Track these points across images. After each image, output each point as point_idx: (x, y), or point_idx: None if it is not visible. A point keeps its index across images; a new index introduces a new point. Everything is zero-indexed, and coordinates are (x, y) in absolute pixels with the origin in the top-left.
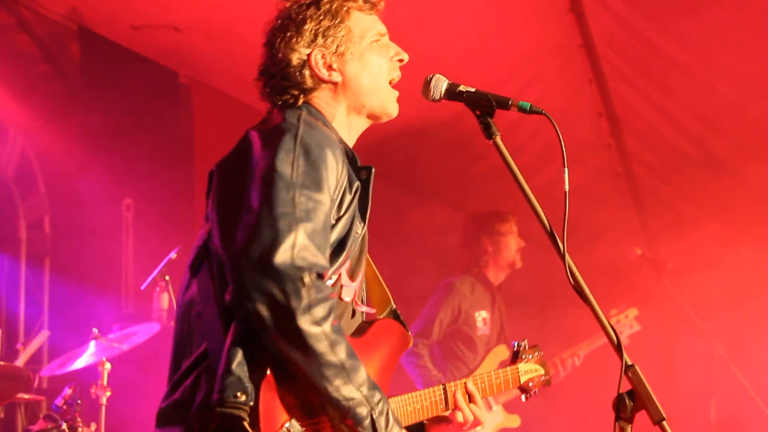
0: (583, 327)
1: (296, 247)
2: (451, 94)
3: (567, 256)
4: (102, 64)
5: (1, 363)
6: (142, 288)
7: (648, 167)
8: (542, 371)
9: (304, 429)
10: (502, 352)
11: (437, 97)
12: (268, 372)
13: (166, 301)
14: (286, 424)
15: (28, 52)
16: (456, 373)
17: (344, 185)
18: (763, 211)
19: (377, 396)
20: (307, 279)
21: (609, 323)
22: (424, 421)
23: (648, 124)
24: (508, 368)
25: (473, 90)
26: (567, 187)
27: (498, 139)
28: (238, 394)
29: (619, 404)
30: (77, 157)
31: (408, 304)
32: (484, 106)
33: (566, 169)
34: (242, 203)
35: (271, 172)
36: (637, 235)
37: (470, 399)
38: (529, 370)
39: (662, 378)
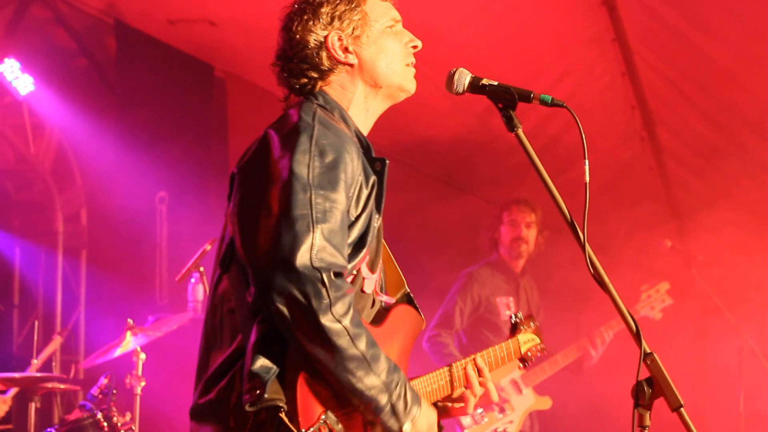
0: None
1: (314, 248)
2: (474, 87)
3: (587, 246)
4: (138, 58)
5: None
6: (177, 279)
7: (680, 160)
8: (538, 340)
9: (338, 419)
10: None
11: (460, 90)
12: (304, 366)
13: (200, 292)
14: (323, 416)
15: (65, 46)
16: None
17: (360, 182)
18: None
19: (395, 380)
20: (326, 279)
21: (628, 312)
22: (438, 402)
23: (680, 117)
24: (509, 341)
25: (496, 83)
26: (588, 179)
27: (520, 131)
28: (258, 392)
29: (637, 391)
30: (113, 151)
31: (440, 297)
32: (506, 99)
33: (587, 161)
34: (261, 206)
35: (289, 175)
36: (669, 228)
37: (479, 374)
38: (527, 340)
39: (692, 370)
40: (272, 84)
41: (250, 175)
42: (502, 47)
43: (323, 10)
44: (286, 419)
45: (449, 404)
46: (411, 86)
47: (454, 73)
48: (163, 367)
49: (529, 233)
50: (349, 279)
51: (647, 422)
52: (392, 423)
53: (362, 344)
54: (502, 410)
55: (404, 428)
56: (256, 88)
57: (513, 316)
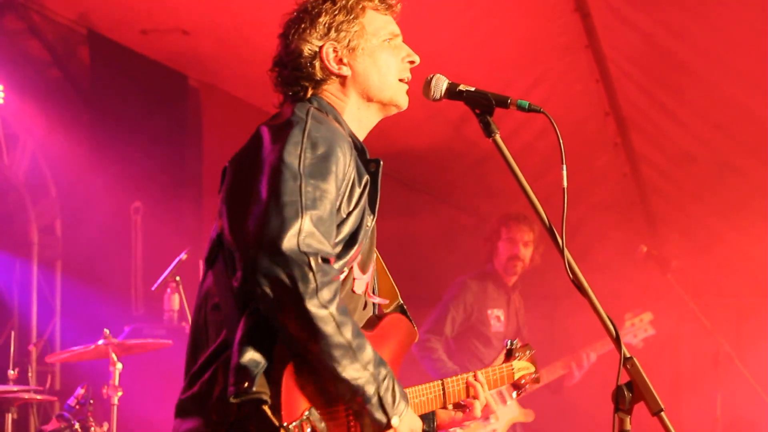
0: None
1: (302, 233)
2: (451, 93)
3: (566, 251)
4: (112, 68)
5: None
6: (153, 289)
7: (654, 167)
8: (532, 369)
9: (322, 417)
10: None
11: (438, 96)
12: (291, 362)
13: (177, 302)
14: (306, 413)
15: (39, 56)
16: (471, 369)
17: (353, 179)
18: None
19: (383, 372)
20: (313, 263)
21: (608, 316)
22: (435, 411)
23: (654, 123)
24: (504, 365)
25: (473, 89)
26: (565, 184)
27: (497, 137)
28: (246, 384)
29: (618, 396)
30: (87, 161)
31: (422, 306)
32: (483, 105)
33: (564, 166)
34: (252, 194)
35: (279, 164)
36: (644, 234)
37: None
38: (522, 367)
39: (668, 375)
40: (246, 93)
41: (241, 166)
42: (475, 54)
43: (321, 20)
44: (269, 412)
45: (453, 412)
46: (402, 102)
47: (431, 79)
48: (140, 377)
49: (526, 252)
50: (341, 277)
51: (627, 426)
52: (380, 415)
53: (348, 332)
54: (486, 418)
55: (393, 422)
56: (230, 97)
57: (508, 343)
